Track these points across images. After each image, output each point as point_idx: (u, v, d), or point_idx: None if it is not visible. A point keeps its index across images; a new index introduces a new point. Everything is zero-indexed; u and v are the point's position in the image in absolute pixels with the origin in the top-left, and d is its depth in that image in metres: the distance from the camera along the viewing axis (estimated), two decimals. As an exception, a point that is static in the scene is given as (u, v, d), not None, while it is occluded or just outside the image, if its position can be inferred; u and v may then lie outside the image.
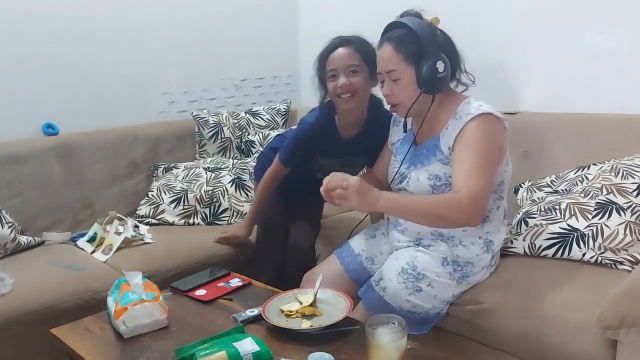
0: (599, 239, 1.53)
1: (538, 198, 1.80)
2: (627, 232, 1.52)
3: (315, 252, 2.05)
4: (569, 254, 1.57)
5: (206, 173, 2.37)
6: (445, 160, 1.44)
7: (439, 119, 1.48)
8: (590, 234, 1.55)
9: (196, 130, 2.61)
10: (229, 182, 2.35)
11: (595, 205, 1.59)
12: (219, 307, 1.48)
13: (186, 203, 2.28)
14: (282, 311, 1.38)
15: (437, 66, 1.39)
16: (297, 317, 1.35)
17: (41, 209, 2.16)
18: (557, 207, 1.64)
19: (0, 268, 1.74)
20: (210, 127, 2.59)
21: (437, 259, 1.47)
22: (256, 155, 2.57)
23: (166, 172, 2.45)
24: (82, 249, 2.03)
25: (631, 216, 1.55)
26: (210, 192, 2.30)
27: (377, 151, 1.75)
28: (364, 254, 1.66)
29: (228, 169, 2.41)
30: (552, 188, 1.82)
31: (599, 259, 1.53)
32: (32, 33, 2.24)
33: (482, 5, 2.24)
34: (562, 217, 1.61)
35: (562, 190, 1.76)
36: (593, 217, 1.57)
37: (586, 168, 1.78)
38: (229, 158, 2.60)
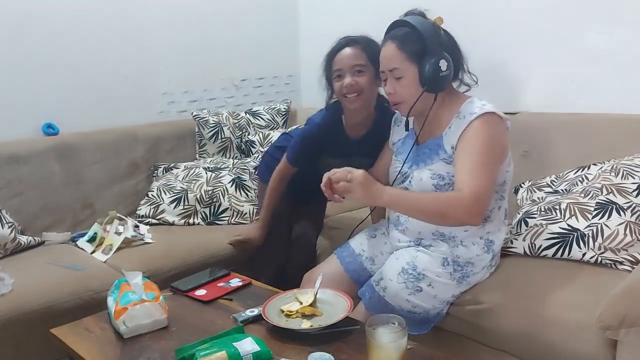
0: (599, 239, 1.53)
1: (538, 198, 1.80)
2: (627, 232, 1.52)
3: (316, 252, 2.05)
4: (569, 254, 1.57)
5: (206, 173, 2.37)
6: (449, 159, 1.44)
7: (442, 119, 1.48)
8: (590, 234, 1.55)
9: (196, 130, 2.61)
10: (229, 182, 2.35)
11: (595, 205, 1.59)
12: (219, 307, 1.48)
13: (186, 203, 2.28)
14: (282, 311, 1.38)
15: (440, 65, 1.39)
16: (297, 317, 1.35)
17: (41, 209, 2.16)
18: (557, 207, 1.64)
19: (0, 268, 1.74)
20: (210, 127, 2.59)
21: (438, 259, 1.47)
22: (256, 155, 2.57)
23: (166, 172, 2.45)
24: (82, 249, 2.03)
25: (631, 216, 1.55)
26: (210, 192, 2.30)
27: None
28: (365, 254, 1.66)
29: (228, 169, 2.41)
30: (552, 188, 1.82)
31: (599, 259, 1.53)
32: (32, 33, 2.24)
33: (482, 5, 2.25)
34: (562, 217, 1.61)
35: (562, 190, 1.76)
36: (593, 217, 1.57)
37: (586, 168, 1.77)
38: (229, 158, 2.60)
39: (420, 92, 1.43)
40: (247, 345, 1.16)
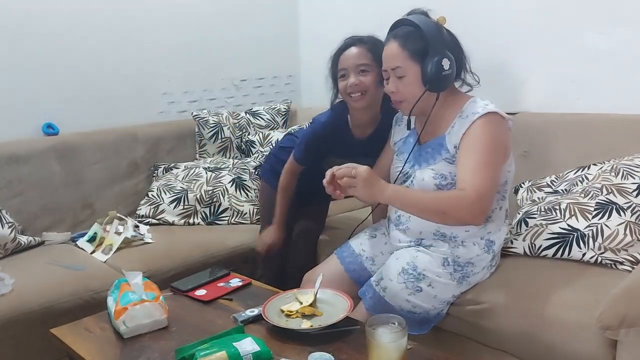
0: (599, 239, 1.53)
1: (538, 198, 1.80)
2: (627, 232, 1.52)
3: (316, 251, 2.05)
4: (569, 254, 1.57)
5: (206, 173, 2.37)
6: (451, 159, 1.44)
7: (444, 118, 1.48)
8: (590, 234, 1.55)
9: (196, 130, 2.61)
10: (229, 182, 2.35)
11: (595, 206, 1.59)
12: (219, 307, 1.48)
13: (186, 203, 2.28)
14: (282, 311, 1.38)
15: (442, 64, 1.39)
16: (297, 317, 1.35)
17: (41, 209, 2.16)
18: (557, 207, 1.64)
19: (0, 268, 1.74)
20: (211, 127, 2.59)
21: (438, 259, 1.47)
22: (256, 155, 2.57)
23: (166, 172, 2.45)
24: (82, 249, 2.03)
25: (631, 216, 1.54)
26: (210, 192, 2.30)
27: None
28: (365, 254, 1.65)
29: (228, 169, 2.41)
30: (552, 188, 1.82)
31: (599, 259, 1.53)
32: (32, 33, 2.24)
33: (482, 6, 2.24)
34: (562, 217, 1.61)
35: (562, 190, 1.76)
36: (593, 217, 1.57)
37: (586, 168, 1.77)
38: (229, 158, 2.60)
39: (422, 91, 1.43)
40: (247, 345, 1.16)
